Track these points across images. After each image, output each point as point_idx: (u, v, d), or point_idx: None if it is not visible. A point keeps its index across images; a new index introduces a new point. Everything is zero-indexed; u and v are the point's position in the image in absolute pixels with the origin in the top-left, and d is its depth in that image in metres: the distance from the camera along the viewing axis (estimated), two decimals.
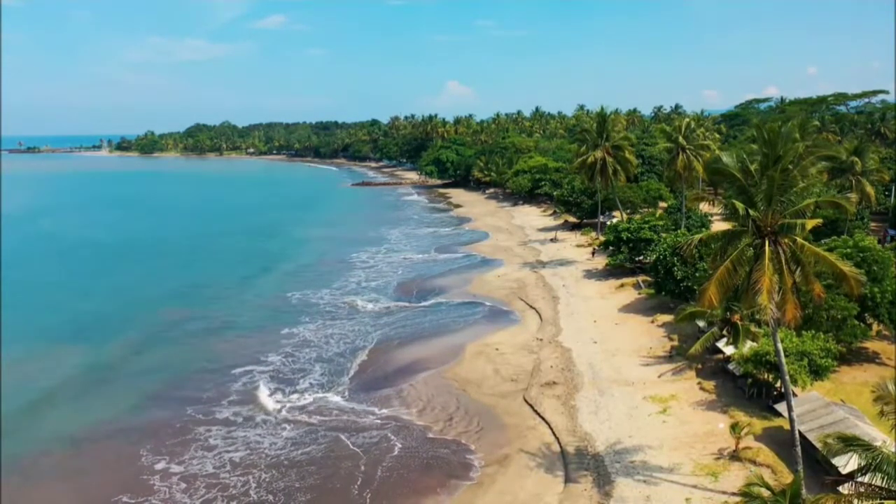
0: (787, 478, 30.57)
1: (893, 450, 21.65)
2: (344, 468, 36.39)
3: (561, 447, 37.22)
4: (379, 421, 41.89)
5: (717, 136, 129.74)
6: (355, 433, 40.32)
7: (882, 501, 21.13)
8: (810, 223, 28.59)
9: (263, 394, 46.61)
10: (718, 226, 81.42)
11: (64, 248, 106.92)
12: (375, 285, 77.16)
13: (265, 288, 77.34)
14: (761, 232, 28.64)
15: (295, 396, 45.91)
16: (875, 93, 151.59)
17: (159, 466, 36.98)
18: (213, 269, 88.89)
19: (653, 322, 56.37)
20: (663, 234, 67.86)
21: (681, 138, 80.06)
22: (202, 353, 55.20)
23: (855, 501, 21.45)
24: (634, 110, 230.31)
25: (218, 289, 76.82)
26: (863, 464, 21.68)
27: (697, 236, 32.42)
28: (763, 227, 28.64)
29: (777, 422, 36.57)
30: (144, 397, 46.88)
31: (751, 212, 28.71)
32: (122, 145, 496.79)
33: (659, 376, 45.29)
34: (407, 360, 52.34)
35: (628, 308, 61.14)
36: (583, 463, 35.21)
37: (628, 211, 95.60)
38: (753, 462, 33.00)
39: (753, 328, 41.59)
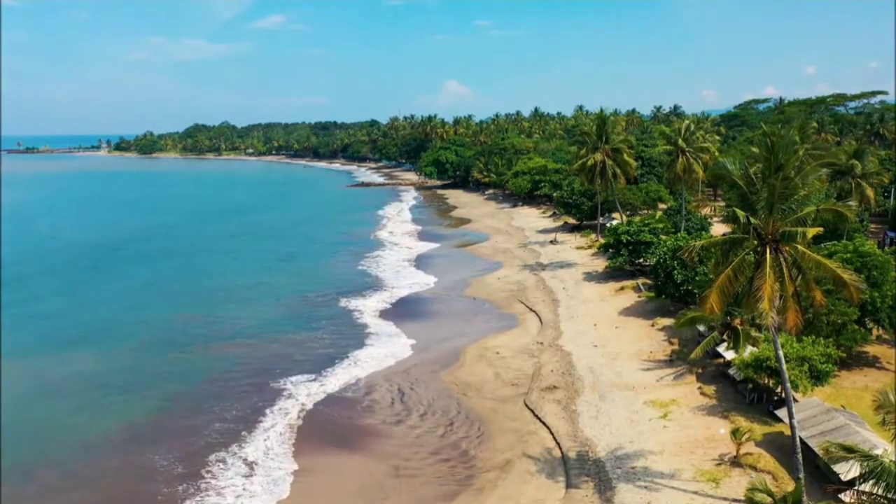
0: (788, 484, 30.65)
1: (894, 458, 21.69)
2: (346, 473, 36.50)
3: (562, 452, 37.26)
4: (379, 426, 42.01)
5: (717, 137, 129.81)
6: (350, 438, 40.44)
7: None
8: (811, 231, 28.62)
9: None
10: (718, 227, 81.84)
11: (61, 250, 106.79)
12: (373, 286, 77.17)
13: (283, 289, 76.78)
14: (763, 239, 28.68)
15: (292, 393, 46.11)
16: (874, 93, 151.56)
17: (171, 472, 36.91)
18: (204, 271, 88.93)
19: (653, 325, 56.39)
20: (663, 237, 67.89)
21: (681, 141, 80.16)
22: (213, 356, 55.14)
23: None
24: (633, 111, 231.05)
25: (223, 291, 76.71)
26: (864, 472, 21.74)
27: (699, 242, 32.48)
28: (764, 235, 28.68)
29: (778, 427, 36.61)
30: (161, 401, 46.42)
31: (752, 219, 28.76)
32: (121, 146, 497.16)
33: (659, 380, 45.33)
34: (406, 363, 52.32)
35: (628, 311, 61.16)
36: (584, 468, 35.26)
37: (628, 213, 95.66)
38: (754, 468, 33.03)
39: (754, 332, 41.62)
